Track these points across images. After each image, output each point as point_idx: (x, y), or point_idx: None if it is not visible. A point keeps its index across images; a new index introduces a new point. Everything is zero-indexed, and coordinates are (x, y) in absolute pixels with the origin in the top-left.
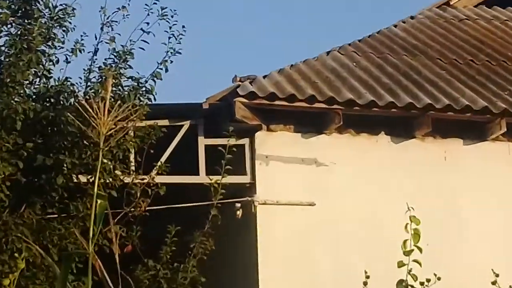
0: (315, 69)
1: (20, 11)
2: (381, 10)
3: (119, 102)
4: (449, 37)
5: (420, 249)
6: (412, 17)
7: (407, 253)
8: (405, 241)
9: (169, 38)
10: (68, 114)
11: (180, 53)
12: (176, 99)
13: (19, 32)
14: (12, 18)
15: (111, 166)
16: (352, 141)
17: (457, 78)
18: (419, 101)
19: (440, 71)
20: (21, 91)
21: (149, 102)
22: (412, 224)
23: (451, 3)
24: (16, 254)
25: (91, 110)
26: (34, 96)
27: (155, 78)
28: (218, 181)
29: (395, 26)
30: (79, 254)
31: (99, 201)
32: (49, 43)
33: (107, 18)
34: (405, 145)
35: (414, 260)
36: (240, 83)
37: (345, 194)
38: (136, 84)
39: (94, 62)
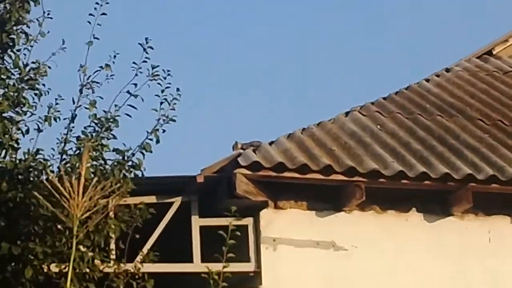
0: (332, 134)
1: None
2: (411, 62)
3: (96, 178)
4: (492, 93)
5: None
6: (447, 70)
7: None
8: None
9: (161, 103)
10: (38, 195)
11: (174, 120)
12: (167, 172)
13: None
14: None
15: (90, 255)
16: (377, 220)
17: (502, 143)
18: (457, 171)
19: (483, 134)
20: None
21: (134, 177)
22: None
23: (494, 52)
24: None
25: (63, 190)
26: None
27: (143, 151)
28: (218, 272)
29: (428, 80)
30: None
31: None
32: (18, 109)
33: (88, 79)
34: (441, 224)
35: None
36: (241, 151)
37: (370, 284)
38: (121, 157)
39: (71, 130)
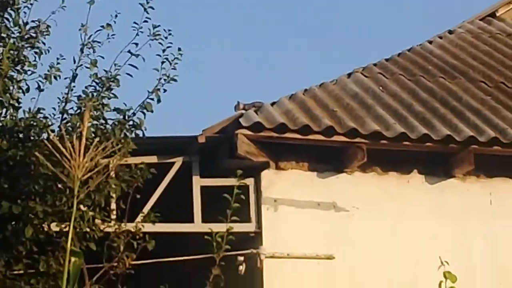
0: (334, 95)
1: None
2: (413, 23)
3: (98, 139)
4: (495, 55)
5: None
6: (450, 32)
7: None
8: None
9: (162, 62)
10: (39, 153)
11: (175, 80)
12: (168, 132)
13: None
14: None
15: (90, 214)
16: (379, 182)
17: (505, 105)
18: (459, 133)
19: (485, 96)
20: None
21: (135, 137)
22: (447, 282)
23: (498, 14)
24: None
25: (64, 150)
26: None
27: (145, 110)
28: (222, 235)
29: (430, 42)
30: None
31: (73, 259)
32: (19, 68)
33: (89, 38)
34: (443, 186)
35: None
36: (243, 111)
37: (370, 245)
38: (122, 117)
39: (72, 90)
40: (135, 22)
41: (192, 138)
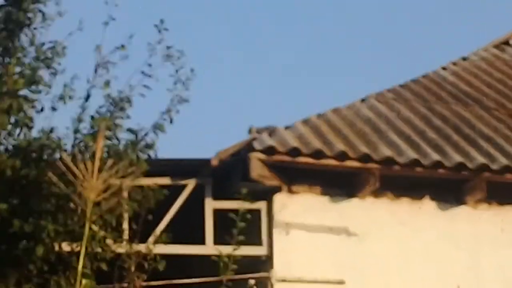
0: (347, 120)
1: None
2: (428, 49)
3: (111, 160)
4: (508, 83)
5: None
6: (464, 59)
7: None
8: None
9: (175, 83)
10: (52, 173)
11: (188, 101)
12: (181, 155)
13: None
14: None
15: (101, 235)
16: (391, 207)
17: None
18: (471, 160)
19: (498, 124)
20: None
21: (148, 158)
22: None
23: (511, 42)
24: None
25: (77, 170)
26: (12, 150)
27: (157, 131)
28: (229, 255)
29: (444, 68)
30: None
31: (84, 281)
32: (33, 87)
33: (103, 59)
34: (455, 213)
35: None
36: (256, 135)
37: (381, 271)
38: (134, 137)
39: (85, 110)
40: (149, 43)
41: (206, 160)
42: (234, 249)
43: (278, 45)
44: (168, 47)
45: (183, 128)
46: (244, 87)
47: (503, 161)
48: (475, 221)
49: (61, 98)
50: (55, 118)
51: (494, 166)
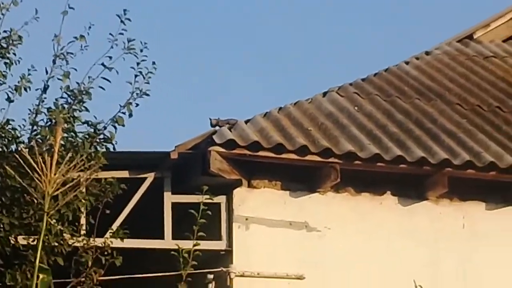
0: (309, 114)
1: None
2: (390, 43)
3: (70, 154)
4: (471, 78)
5: None
6: (427, 53)
7: None
8: None
9: (136, 76)
10: (7, 165)
11: (148, 94)
12: (141, 148)
13: None
14: None
15: (58, 228)
16: (351, 202)
17: (480, 129)
18: (433, 155)
19: (460, 119)
20: None
21: (106, 151)
22: None
23: (475, 36)
24: None
25: (35, 164)
26: None
27: (116, 124)
28: (188, 250)
29: (407, 63)
30: None
31: (41, 276)
32: None
33: (61, 49)
34: (416, 209)
35: None
36: (217, 128)
37: (341, 266)
38: (92, 130)
39: (43, 101)
40: (110, 34)
41: (165, 154)
42: (195, 245)
43: (242, 36)
44: (129, 40)
45: (142, 121)
46: (205, 79)
47: (465, 156)
48: (436, 216)
49: (17, 89)
50: (11, 110)
51: (456, 162)
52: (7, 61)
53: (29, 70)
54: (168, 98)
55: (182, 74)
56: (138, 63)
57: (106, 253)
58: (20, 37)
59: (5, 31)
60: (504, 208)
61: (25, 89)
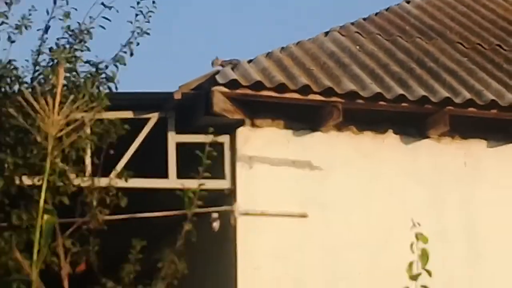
0: (311, 53)
1: None
2: None
3: (72, 96)
4: (472, 16)
5: (429, 273)
6: None
7: (413, 278)
8: (411, 263)
9: (136, 15)
10: (10, 106)
11: (148, 33)
12: (143, 89)
13: None
14: None
15: (63, 168)
16: (354, 141)
17: (481, 67)
18: (434, 94)
19: (461, 58)
20: None
21: (109, 91)
22: (419, 243)
23: None
24: None
25: (37, 106)
26: None
27: (117, 63)
28: (194, 191)
29: (408, 2)
30: (20, 281)
31: (46, 217)
32: None
33: None
34: (418, 147)
35: (423, 286)
36: (220, 68)
37: (344, 204)
38: (94, 69)
39: (44, 42)
40: None
41: (168, 94)
42: (200, 185)
43: None
44: None
45: (145, 61)
46: (208, 19)
47: (466, 94)
48: (438, 154)
49: (18, 28)
50: (13, 50)
51: (457, 100)
52: (7, 0)
53: (29, 10)
54: (170, 38)
55: (184, 14)
56: (138, 2)
57: (110, 193)
58: None
59: None
60: (505, 145)
61: (26, 28)
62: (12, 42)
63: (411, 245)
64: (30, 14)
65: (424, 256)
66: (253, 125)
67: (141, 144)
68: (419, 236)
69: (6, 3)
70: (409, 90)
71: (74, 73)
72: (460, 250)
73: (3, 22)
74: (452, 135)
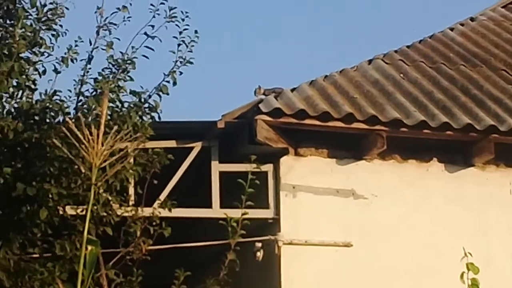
0: (354, 81)
1: (0, 11)
2: (435, 10)
3: (116, 127)
4: None
5: None
6: (472, 19)
7: None
8: None
9: (179, 45)
10: (55, 136)
11: (191, 62)
12: (186, 118)
13: None
14: None
15: (106, 198)
16: (398, 169)
17: None
18: (479, 122)
19: (506, 85)
20: None
21: (153, 121)
22: (469, 273)
23: None
24: None
25: (81, 136)
26: (14, 113)
27: (160, 93)
28: (237, 220)
29: (452, 29)
30: None
31: (90, 247)
32: (35, 49)
33: (105, 20)
34: (462, 175)
35: None
36: (263, 97)
37: (388, 233)
38: (137, 99)
39: (88, 72)
40: (151, 4)
41: (212, 123)
42: (243, 214)
43: (287, 7)
44: (171, 8)
45: (189, 91)
46: (251, 48)
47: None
48: (483, 183)
49: (63, 60)
50: (58, 81)
51: (502, 128)
52: (54, 32)
53: (76, 41)
54: (214, 66)
55: (228, 42)
56: (180, 32)
57: (154, 223)
58: (67, 8)
59: (51, 3)
60: None
61: (72, 61)
62: (58, 73)
63: (462, 275)
64: (76, 46)
65: (474, 286)
66: (296, 153)
67: (185, 173)
68: (470, 266)
69: (53, 35)
70: (453, 118)
71: (117, 103)
72: (506, 278)
73: (49, 54)
74: (497, 163)
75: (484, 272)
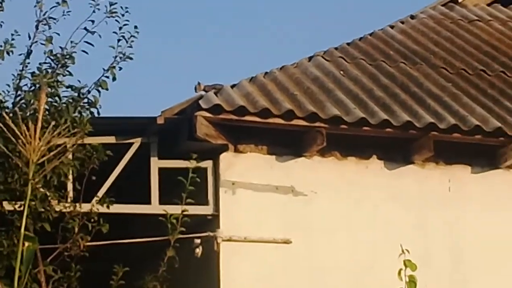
0: (294, 78)
1: None
2: (375, 8)
3: (54, 121)
4: (456, 41)
5: None
6: (412, 17)
7: None
8: None
9: (119, 40)
10: None
11: (131, 58)
12: (125, 114)
13: None
14: None
15: (44, 194)
16: (338, 166)
17: (465, 92)
18: (419, 119)
19: (445, 83)
20: None
21: (92, 116)
22: (407, 270)
23: (460, 0)
24: None
25: (18, 131)
26: None
27: (100, 88)
28: (176, 216)
29: (392, 27)
30: None
31: (27, 244)
32: None
33: (44, 14)
34: (402, 172)
35: None
36: (203, 93)
37: (328, 230)
38: (76, 94)
39: (26, 66)
40: None
41: (151, 119)
42: (183, 211)
43: (227, 2)
44: (111, 4)
45: (127, 86)
46: (190, 44)
47: (451, 120)
48: (423, 180)
49: (0, 53)
50: None
51: (441, 125)
52: None
53: (12, 35)
54: (153, 63)
55: (167, 39)
56: (120, 28)
57: (92, 219)
58: (2, 1)
59: None
60: (489, 171)
61: (8, 53)
62: None
63: (399, 271)
64: (13, 39)
65: (412, 283)
66: (236, 150)
67: (124, 169)
68: (407, 263)
69: None
70: (393, 115)
71: (56, 98)
72: (445, 275)
73: None
74: (436, 160)
75: (422, 269)
